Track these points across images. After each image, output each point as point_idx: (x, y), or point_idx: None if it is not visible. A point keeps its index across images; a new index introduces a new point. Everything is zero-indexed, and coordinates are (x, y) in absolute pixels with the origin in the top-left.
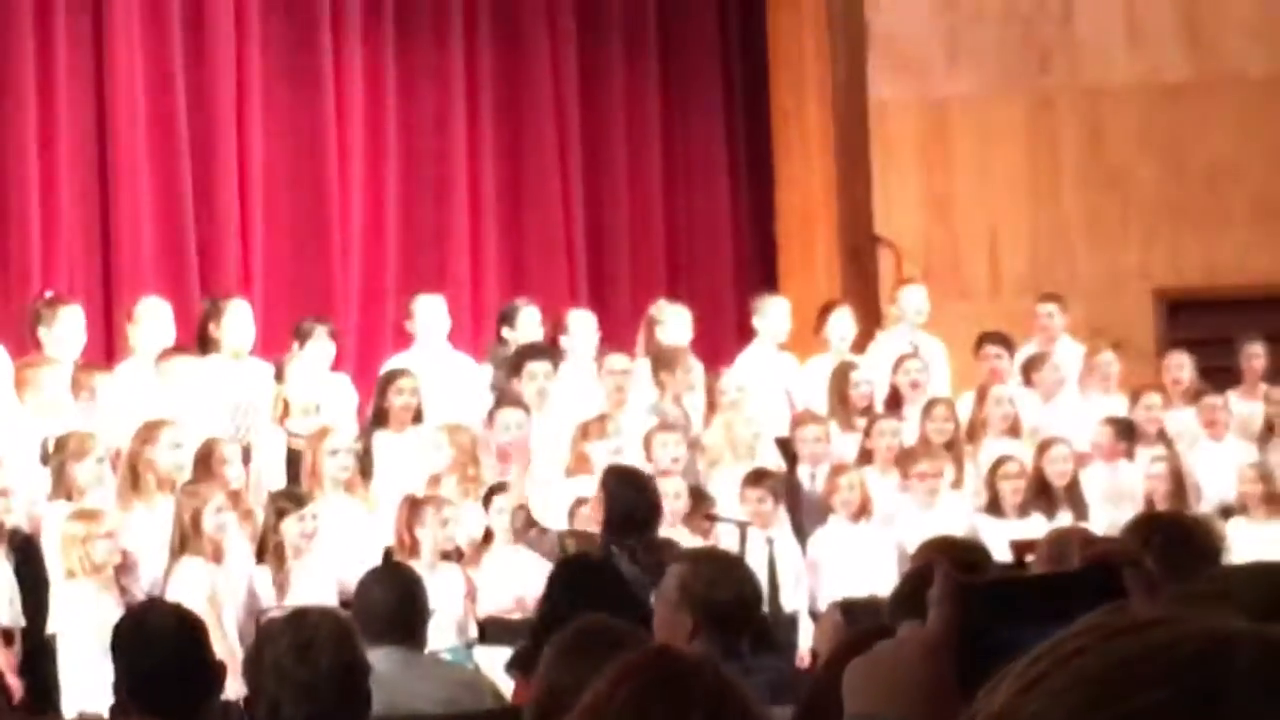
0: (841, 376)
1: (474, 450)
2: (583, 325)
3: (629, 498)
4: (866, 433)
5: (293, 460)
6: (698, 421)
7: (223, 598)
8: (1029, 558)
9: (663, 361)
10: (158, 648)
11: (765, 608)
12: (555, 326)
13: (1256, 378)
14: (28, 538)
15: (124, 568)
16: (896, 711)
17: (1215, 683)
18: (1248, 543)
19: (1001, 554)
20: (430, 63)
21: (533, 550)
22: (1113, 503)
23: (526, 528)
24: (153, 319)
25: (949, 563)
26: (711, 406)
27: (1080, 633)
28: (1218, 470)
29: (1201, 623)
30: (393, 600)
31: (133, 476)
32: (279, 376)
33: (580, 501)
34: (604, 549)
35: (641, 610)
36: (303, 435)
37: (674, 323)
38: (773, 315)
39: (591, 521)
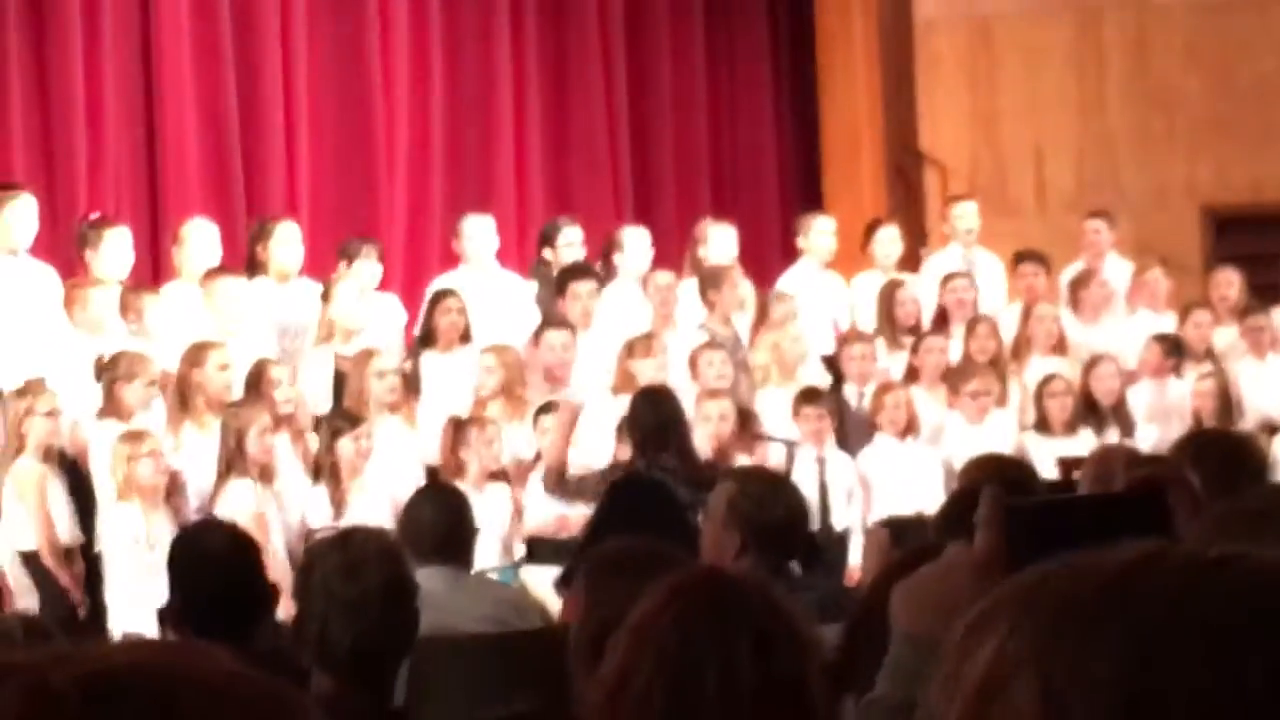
0: (889, 294)
1: (521, 371)
2: (636, 241)
3: (646, 415)
4: (913, 350)
5: (339, 381)
6: (746, 340)
7: (272, 518)
8: (1076, 475)
9: (710, 280)
10: (210, 569)
11: (816, 526)
12: (609, 243)
13: None
14: (73, 458)
15: (174, 488)
16: (945, 632)
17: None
18: None
19: (1049, 471)
20: None
21: (576, 501)
22: (1160, 420)
23: (558, 484)
24: (198, 241)
25: (996, 483)
26: (761, 325)
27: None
28: (1263, 387)
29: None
30: (440, 520)
31: (181, 398)
32: (325, 297)
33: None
34: (645, 468)
35: (690, 531)
36: (348, 356)
37: (719, 241)
38: (817, 234)
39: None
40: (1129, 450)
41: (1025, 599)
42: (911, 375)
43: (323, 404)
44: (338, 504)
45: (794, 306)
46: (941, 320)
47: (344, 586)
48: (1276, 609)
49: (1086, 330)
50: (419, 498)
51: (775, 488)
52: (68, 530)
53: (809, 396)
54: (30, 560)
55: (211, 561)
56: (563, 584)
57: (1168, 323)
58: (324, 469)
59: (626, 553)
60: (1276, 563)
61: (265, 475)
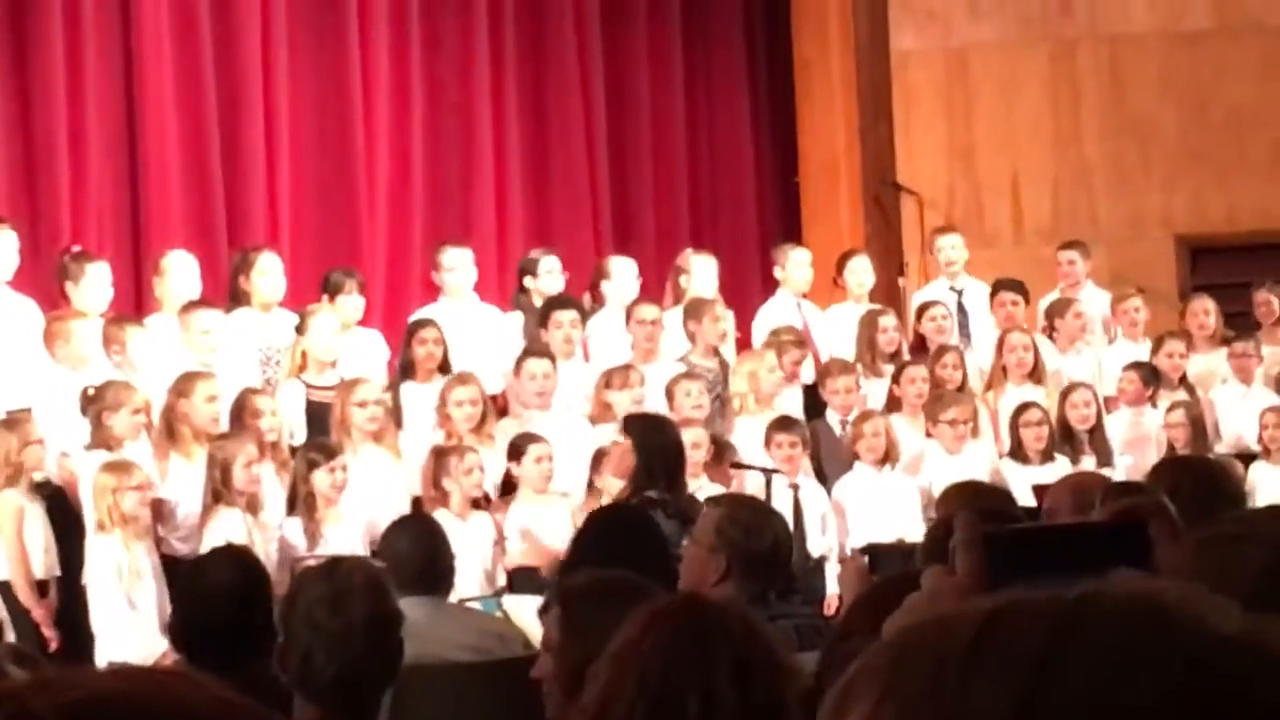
0: (870, 322)
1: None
2: (623, 271)
3: (654, 442)
4: (895, 379)
5: (313, 412)
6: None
7: (259, 548)
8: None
9: (691, 312)
10: (216, 599)
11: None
12: (597, 273)
13: (1270, 322)
14: (59, 488)
15: (162, 519)
16: None
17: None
18: (1270, 486)
19: (1025, 500)
20: (455, 14)
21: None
22: (1136, 448)
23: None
24: (179, 273)
25: (972, 510)
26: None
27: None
28: (1240, 414)
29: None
30: (418, 551)
31: (168, 429)
32: (300, 329)
33: (603, 451)
34: (636, 498)
35: (669, 562)
36: (320, 388)
37: (701, 272)
38: (794, 265)
39: (611, 473)
40: (1095, 477)
41: (894, 660)
42: (893, 404)
43: (296, 435)
44: (312, 535)
45: (788, 339)
46: (921, 350)
47: (329, 617)
48: (1139, 637)
49: (1063, 359)
50: (396, 529)
51: (763, 516)
52: (42, 563)
53: (782, 425)
54: (4, 590)
55: (220, 592)
56: (544, 612)
57: (1145, 352)
58: (299, 500)
59: (601, 584)
60: (1130, 594)
61: (252, 505)
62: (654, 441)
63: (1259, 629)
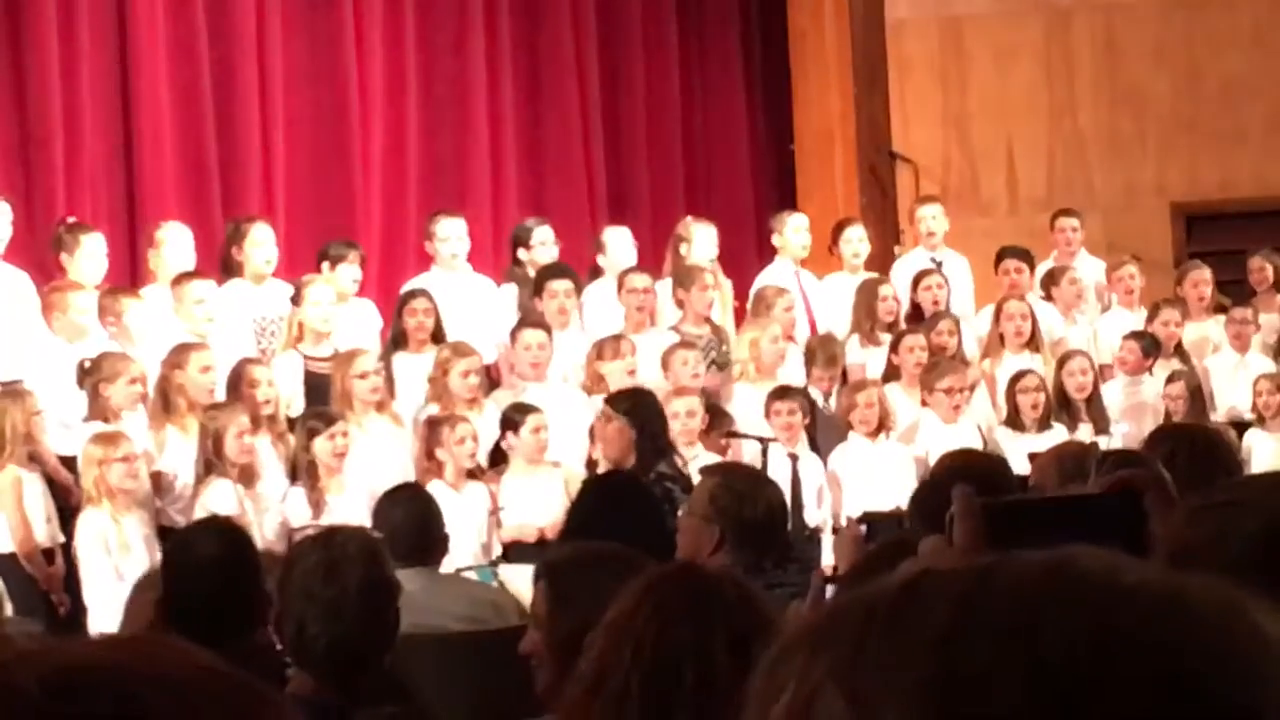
0: (870, 290)
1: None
2: (619, 241)
3: (649, 415)
4: (893, 348)
5: (311, 384)
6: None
7: (254, 519)
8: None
9: (679, 281)
10: (203, 572)
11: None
12: (594, 245)
13: (1264, 289)
14: (62, 459)
15: (160, 491)
16: None
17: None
18: (1264, 453)
19: (1021, 467)
20: None
21: None
22: (1133, 416)
23: None
24: (174, 244)
25: (968, 479)
26: (741, 321)
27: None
28: (1236, 382)
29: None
30: (411, 521)
31: (164, 400)
32: (295, 300)
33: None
34: (650, 473)
35: (667, 532)
36: (317, 359)
37: (701, 240)
38: (792, 231)
39: (606, 455)
40: (1078, 446)
41: (819, 627)
42: (891, 373)
43: (294, 406)
44: (315, 504)
45: (785, 301)
46: (917, 319)
47: (322, 586)
48: (1046, 594)
49: (1060, 325)
50: (388, 500)
51: (757, 485)
52: (44, 531)
53: (781, 393)
54: (6, 561)
55: (204, 565)
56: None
57: (1140, 320)
58: (301, 469)
59: (587, 555)
60: (1042, 557)
61: (245, 476)
62: (648, 415)
63: (1175, 579)
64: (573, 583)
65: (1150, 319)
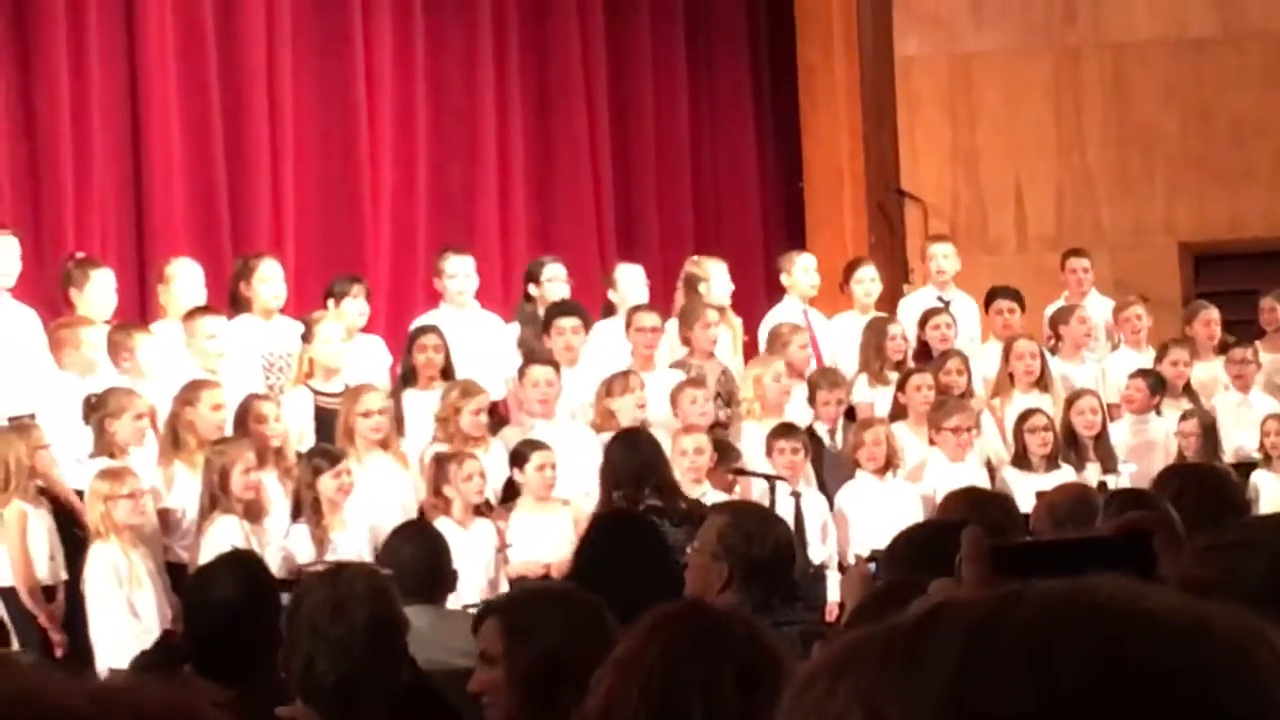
0: (878, 331)
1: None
2: (631, 278)
3: (624, 458)
4: (900, 387)
5: (322, 420)
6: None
7: (260, 555)
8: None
9: (684, 318)
10: (219, 612)
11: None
12: (605, 281)
13: (1275, 329)
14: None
15: (168, 527)
16: None
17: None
18: (1272, 494)
19: (1028, 507)
20: (459, 21)
21: None
22: (1140, 456)
23: None
24: (184, 280)
25: (974, 518)
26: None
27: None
28: (1239, 422)
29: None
30: (420, 558)
31: (173, 436)
32: (306, 336)
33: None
34: (641, 506)
35: (674, 568)
36: (328, 394)
37: (717, 277)
38: (800, 270)
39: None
40: (1072, 490)
41: (841, 656)
42: (898, 411)
43: (303, 442)
44: (319, 541)
45: (800, 339)
46: (925, 357)
47: (329, 623)
48: (1060, 620)
49: (1068, 366)
50: (397, 536)
51: (766, 523)
52: (46, 568)
53: (784, 432)
54: (7, 596)
55: (224, 604)
56: (477, 628)
57: (1148, 359)
58: (305, 505)
59: (534, 592)
60: (1059, 585)
61: (251, 512)
62: (619, 458)
63: (1196, 605)
64: (527, 617)
65: (1159, 359)
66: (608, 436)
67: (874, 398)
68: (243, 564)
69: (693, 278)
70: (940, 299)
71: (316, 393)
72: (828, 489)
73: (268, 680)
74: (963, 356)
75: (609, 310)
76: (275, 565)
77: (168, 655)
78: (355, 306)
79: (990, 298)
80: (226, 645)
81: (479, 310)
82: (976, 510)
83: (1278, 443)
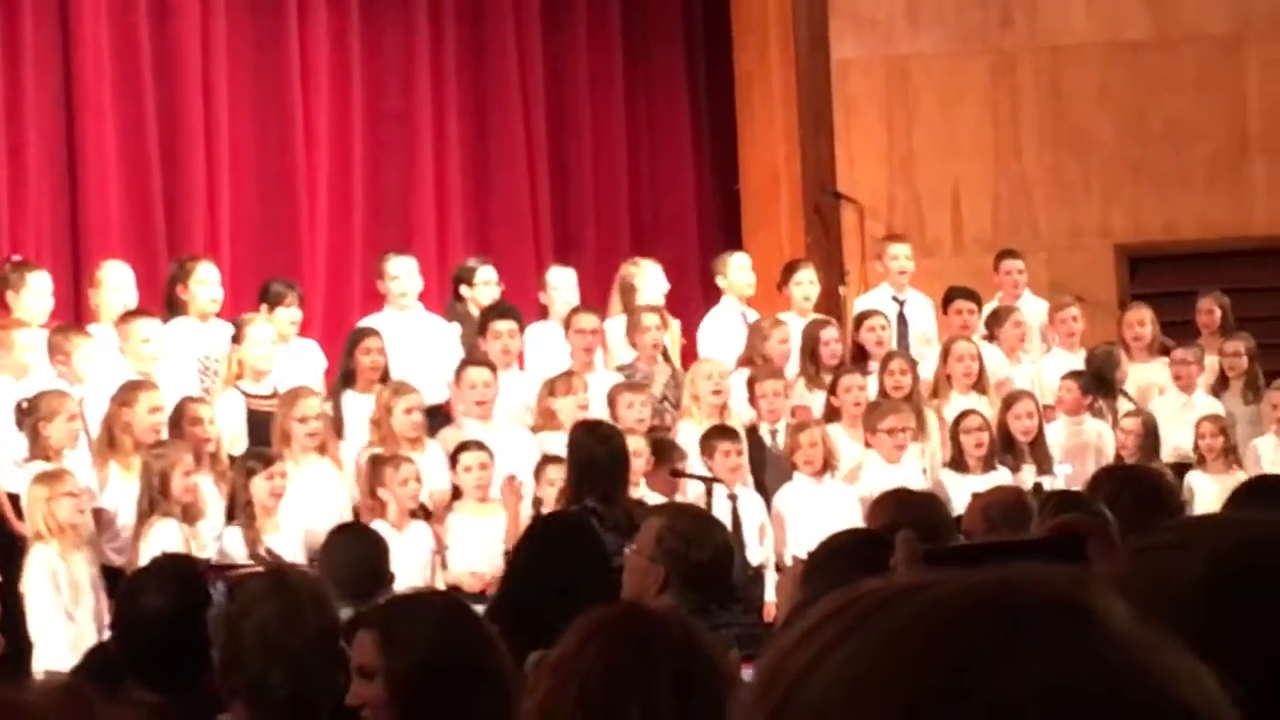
0: (812, 336)
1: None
2: (563, 282)
3: (593, 449)
4: (832, 389)
5: (254, 422)
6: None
7: (195, 558)
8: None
9: (631, 321)
10: (152, 620)
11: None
12: (536, 284)
13: (1211, 331)
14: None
15: (101, 528)
16: None
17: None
18: (1207, 496)
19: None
20: (395, 24)
21: None
22: (1076, 457)
23: None
24: (115, 283)
25: (904, 521)
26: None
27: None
28: (1181, 424)
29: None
30: (358, 559)
31: (109, 437)
32: (237, 338)
33: (547, 459)
34: (574, 505)
35: (610, 571)
36: (259, 397)
37: (650, 278)
38: (735, 271)
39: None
40: (1005, 493)
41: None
42: (832, 414)
43: (236, 444)
44: (252, 543)
45: (780, 333)
46: (860, 358)
47: (283, 634)
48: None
49: (1004, 366)
50: (336, 538)
51: (704, 527)
52: None
53: (721, 434)
54: None
55: (155, 614)
56: (349, 638)
57: (1082, 361)
58: (239, 508)
59: (407, 600)
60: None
61: (189, 515)
62: (593, 451)
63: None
64: (402, 628)
65: (1110, 362)
66: (546, 436)
67: (812, 400)
68: (176, 570)
69: (626, 279)
70: (896, 299)
71: (247, 395)
72: (767, 490)
73: (200, 688)
74: (906, 358)
75: (542, 313)
76: None
77: (104, 666)
78: (288, 314)
79: (948, 298)
80: (161, 653)
81: (423, 312)
82: (906, 512)
83: (1213, 444)
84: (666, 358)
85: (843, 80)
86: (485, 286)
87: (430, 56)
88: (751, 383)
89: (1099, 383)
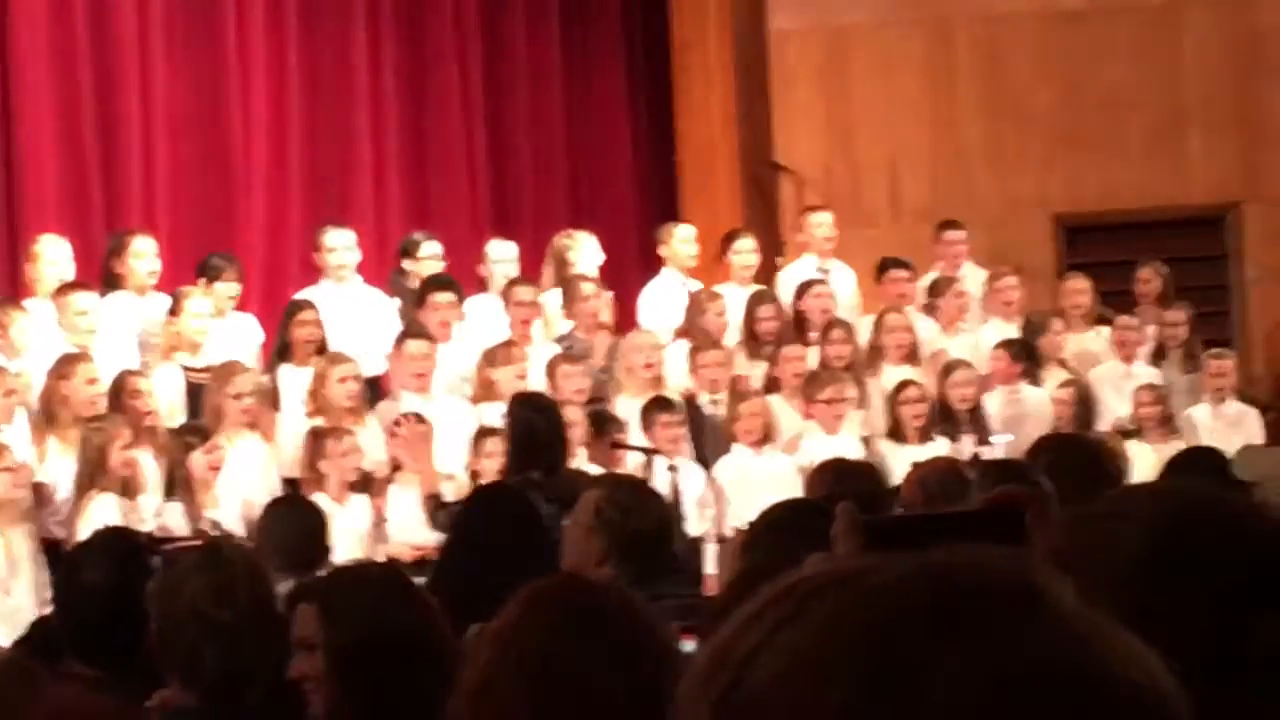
0: (750, 309)
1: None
2: (502, 254)
3: (531, 420)
4: (772, 360)
5: (192, 394)
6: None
7: (135, 531)
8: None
9: (568, 292)
10: (91, 594)
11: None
12: (476, 257)
13: (1150, 301)
14: None
15: (40, 501)
16: None
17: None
18: (1144, 465)
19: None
20: None
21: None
22: (1014, 426)
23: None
24: (51, 256)
25: (842, 491)
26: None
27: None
28: (1121, 392)
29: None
30: (298, 531)
31: (47, 411)
32: (174, 310)
33: (485, 430)
34: (513, 477)
35: (549, 543)
36: (197, 370)
37: (586, 250)
38: (678, 242)
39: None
40: (940, 464)
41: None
42: (772, 384)
43: (174, 417)
44: (192, 518)
45: (717, 306)
46: (799, 328)
47: (216, 609)
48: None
49: (943, 338)
50: (274, 511)
51: (644, 498)
52: None
53: (660, 405)
54: None
55: (94, 589)
56: (291, 608)
57: (1018, 331)
58: (178, 482)
59: (349, 572)
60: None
61: (128, 489)
62: (533, 422)
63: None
64: (342, 601)
65: (1033, 329)
66: (486, 408)
67: (752, 371)
68: (116, 543)
69: (560, 251)
70: (820, 269)
71: (186, 369)
72: (707, 461)
73: (141, 659)
74: (848, 327)
75: (481, 285)
76: None
77: (46, 641)
78: (226, 289)
79: (883, 267)
80: (100, 628)
81: (360, 285)
82: (844, 482)
83: (1150, 413)
84: (606, 328)
85: (780, 50)
86: (429, 260)
87: (367, 27)
88: (693, 353)
89: (1026, 351)
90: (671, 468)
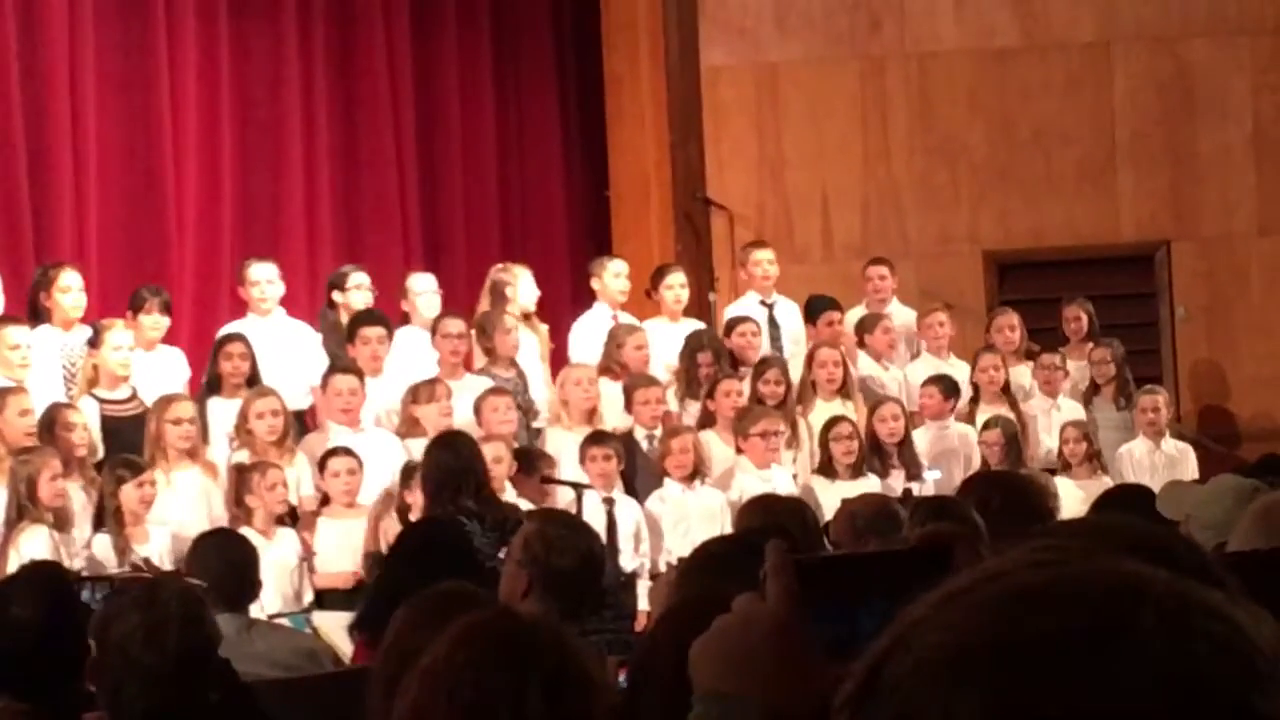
0: (686, 354)
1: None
2: (425, 287)
3: (439, 458)
4: (709, 394)
5: (108, 428)
6: (542, 384)
7: (67, 564)
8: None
9: (482, 327)
10: (19, 631)
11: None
12: (399, 291)
13: (1078, 338)
14: None
15: None
16: (750, 689)
17: (1120, 620)
18: (1070, 501)
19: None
20: (264, 29)
21: None
22: (944, 462)
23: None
24: None
25: (771, 528)
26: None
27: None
28: (1046, 429)
29: (1114, 563)
30: (229, 566)
31: None
32: (94, 342)
33: (412, 466)
34: (448, 510)
35: (484, 573)
36: (114, 402)
37: (522, 283)
38: (611, 276)
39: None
40: (869, 500)
41: None
42: (708, 419)
43: (94, 451)
44: (121, 550)
45: (635, 339)
46: (732, 364)
47: (143, 650)
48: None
49: (873, 373)
50: (204, 544)
51: (572, 532)
52: None
53: (596, 439)
54: None
55: (24, 625)
56: (356, 628)
57: (948, 367)
58: (108, 515)
59: (444, 596)
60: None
61: (59, 521)
62: (442, 460)
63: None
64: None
65: (971, 367)
66: (413, 443)
67: (687, 408)
68: (45, 579)
69: (499, 284)
70: (764, 303)
71: (102, 401)
72: (640, 495)
73: (72, 692)
74: (782, 364)
75: (405, 319)
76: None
77: None
78: (151, 320)
79: (816, 309)
80: (29, 663)
81: (285, 318)
82: (772, 517)
83: (1076, 450)
84: (514, 363)
85: (713, 87)
86: (357, 291)
87: (299, 61)
88: (629, 390)
89: (956, 388)
90: (608, 500)
